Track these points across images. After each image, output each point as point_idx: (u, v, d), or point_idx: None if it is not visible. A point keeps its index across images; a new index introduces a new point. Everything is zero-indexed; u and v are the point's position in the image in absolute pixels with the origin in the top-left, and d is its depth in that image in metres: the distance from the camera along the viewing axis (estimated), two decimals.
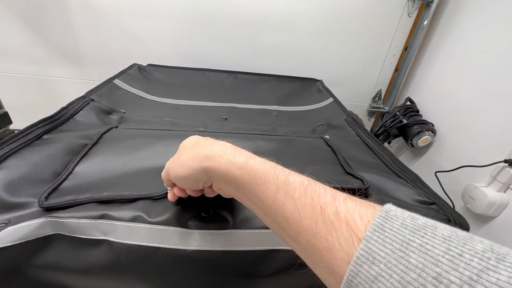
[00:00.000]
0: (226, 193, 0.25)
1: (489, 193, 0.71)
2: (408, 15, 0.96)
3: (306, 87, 0.79)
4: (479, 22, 0.82)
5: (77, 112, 0.47)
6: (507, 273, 0.12)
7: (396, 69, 1.08)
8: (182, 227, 0.27)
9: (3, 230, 0.26)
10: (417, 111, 1.03)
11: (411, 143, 0.95)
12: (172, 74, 0.78)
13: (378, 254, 0.14)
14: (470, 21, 0.85)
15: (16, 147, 0.35)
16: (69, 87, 1.02)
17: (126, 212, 0.27)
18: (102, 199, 0.30)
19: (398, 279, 0.13)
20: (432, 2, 0.91)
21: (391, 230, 0.15)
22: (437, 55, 0.97)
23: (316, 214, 0.17)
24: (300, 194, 0.19)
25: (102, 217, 0.27)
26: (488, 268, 0.12)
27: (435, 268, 0.13)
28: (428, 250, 0.13)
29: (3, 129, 0.74)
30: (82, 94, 1.02)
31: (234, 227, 0.28)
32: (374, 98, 1.14)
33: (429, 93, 1.01)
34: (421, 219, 0.15)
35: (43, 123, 0.40)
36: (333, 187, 0.20)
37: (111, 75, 1.00)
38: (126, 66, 0.99)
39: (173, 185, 0.28)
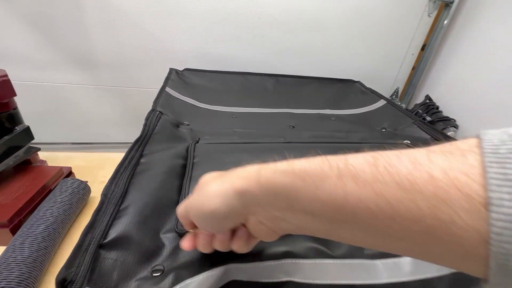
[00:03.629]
0: (273, 225, 0.18)
1: None
2: (429, 15, 0.99)
3: (347, 88, 0.79)
4: (499, 20, 0.86)
5: (154, 128, 0.42)
6: None
7: (413, 68, 1.11)
8: (364, 259, 0.25)
9: (177, 284, 0.21)
10: (437, 107, 1.06)
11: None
12: (211, 79, 0.73)
13: None
14: (490, 20, 0.89)
15: (128, 175, 0.30)
16: (80, 94, 0.93)
17: (305, 247, 0.24)
18: None
19: None
20: (452, 3, 0.95)
21: None
22: (456, 53, 1.01)
23: (407, 191, 0.12)
24: (373, 174, 0.13)
25: (285, 255, 0.24)
26: None
27: None
28: None
29: (27, 146, 0.66)
30: (93, 100, 0.94)
31: None
32: (391, 96, 1.16)
33: (448, 90, 1.04)
34: None
35: (137, 145, 0.35)
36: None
37: (126, 80, 0.93)
38: (143, 70, 0.92)
39: (194, 226, 0.21)
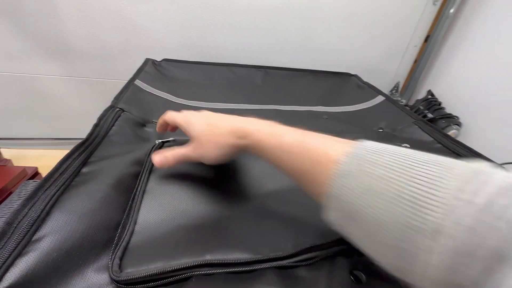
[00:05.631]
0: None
1: None
2: (434, 3, 0.91)
3: (343, 83, 0.72)
4: (509, 11, 0.79)
5: (110, 129, 0.36)
6: None
7: (415, 61, 1.04)
8: None
9: None
10: (440, 104, 1.00)
11: None
12: (192, 70, 0.66)
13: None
14: (500, 9, 0.82)
15: (55, 192, 0.24)
16: (53, 86, 0.86)
17: None
18: (204, 269, 0.21)
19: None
20: None
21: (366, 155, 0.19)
22: (462, 46, 0.94)
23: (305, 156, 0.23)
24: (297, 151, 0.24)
25: None
26: None
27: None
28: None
29: None
30: (70, 92, 0.87)
31: None
32: (391, 90, 1.09)
33: (452, 86, 0.98)
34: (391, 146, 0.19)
35: (78, 151, 0.29)
36: None
37: (105, 71, 0.86)
38: (123, 60, 0.85)
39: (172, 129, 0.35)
